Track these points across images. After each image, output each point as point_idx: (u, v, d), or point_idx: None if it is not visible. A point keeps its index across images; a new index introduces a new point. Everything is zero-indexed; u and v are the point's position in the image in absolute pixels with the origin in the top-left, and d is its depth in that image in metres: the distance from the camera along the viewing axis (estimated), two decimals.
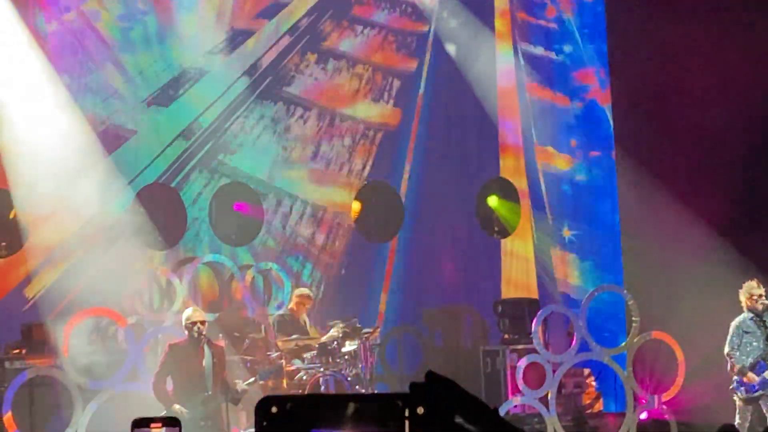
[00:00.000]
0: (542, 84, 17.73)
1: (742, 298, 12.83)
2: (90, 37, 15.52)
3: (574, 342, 14.69)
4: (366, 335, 14.71)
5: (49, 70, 15.07)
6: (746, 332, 12.77)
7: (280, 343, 14.54)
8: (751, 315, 12.80)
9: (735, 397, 12.79)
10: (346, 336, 14.60)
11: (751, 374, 12.67)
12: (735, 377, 12.76)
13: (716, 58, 16.18)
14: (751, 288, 12.80)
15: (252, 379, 12.41)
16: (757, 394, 12.67)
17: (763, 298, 12.77)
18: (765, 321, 12.79)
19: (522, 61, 17.63)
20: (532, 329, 14.69)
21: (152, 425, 5.19)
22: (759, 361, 12.72)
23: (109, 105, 15.63)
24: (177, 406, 11.56)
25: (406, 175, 16.99)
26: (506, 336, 16.23)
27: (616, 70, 17.44)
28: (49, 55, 15.09)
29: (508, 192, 17.32)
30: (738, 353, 12.75)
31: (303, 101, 16.72)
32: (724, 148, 16.45)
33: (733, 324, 12.85)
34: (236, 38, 16.37)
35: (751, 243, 16.01)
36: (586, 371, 16.51)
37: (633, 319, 14.76)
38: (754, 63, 16.01)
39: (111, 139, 15.53)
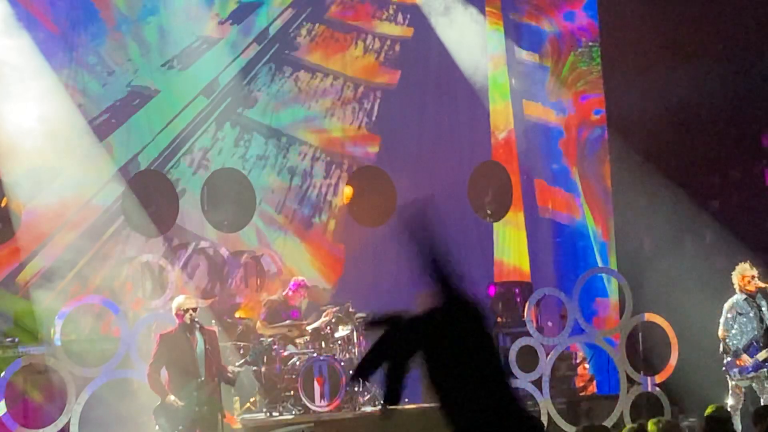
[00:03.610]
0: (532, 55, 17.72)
1: (735, 280, 12.85)
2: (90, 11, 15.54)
3: (566, 325, 14.72)
4: (359, 320, 14.71)
5: (38, 55, 15.02)
6: (739, 314, 12.79)
7: (272, 329, 14.54)
8: (744, 296, 12.82)
9: (728, 379, 12.81)
10: (339, 321, 14.61)
11: (744, 356, 12.68)
12: (728, 359, 12.78)
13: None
14: (744, 270, 12.82)
15: (243, 361, 12.40)
16: (749, 375, 12.68)
17: (756, 279, 12.79)
18: (758, 302, 12.81)
19: (513, 41, 17.60)
20: (525, 312, 14.71)
21: None
22: (752, 343, 12.73)
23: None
24: (172, 398, 11.56)
25: (398, 159, 16.96)
26: (499, 319, 16.24)
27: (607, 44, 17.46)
28: (39, 39, 15.04)
29: (499, 175, 17.30)
30: (731, 335, 12.77)
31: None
32: (716, 128, 16.48)
33: (726, 306, 12.87)
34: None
35: (743, 224, 16.06)
36: (579, 354, 16.54)
37: (626, 300, 14.80)
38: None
39: (111, 117, 15.51)
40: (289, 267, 16.18)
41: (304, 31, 16.83)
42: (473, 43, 17.26)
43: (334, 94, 16.89)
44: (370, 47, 17.17)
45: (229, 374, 11.80)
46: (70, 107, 15.17)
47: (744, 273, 12.81)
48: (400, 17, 17.35)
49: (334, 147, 16.86)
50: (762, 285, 12.80)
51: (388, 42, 17.25)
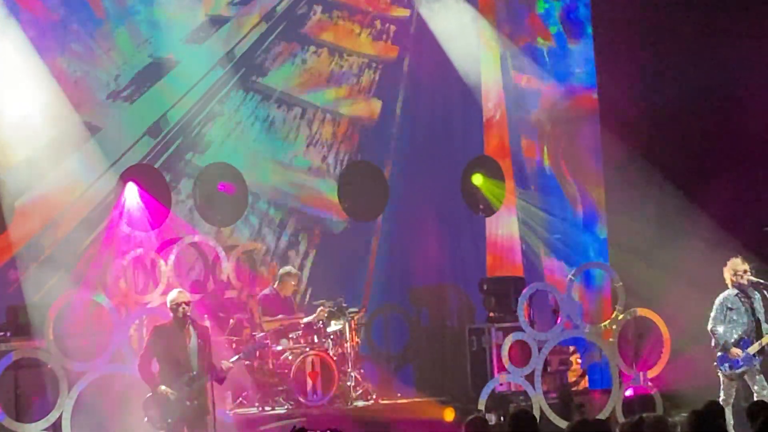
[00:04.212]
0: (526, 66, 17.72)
1: (727, 274, 12.86)
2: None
3: (559, 320, 14.73)
4: (352, 315, 14.72)
5: (30, 50, 14.99)
6: (730, 308, 12.80)
7: (265, 324, 14.54)
8: (735, 291, 12.83)
9: (719, 373, 12.82)
10: (332, 315, 14.61)
11: (735, 350, 12.69)
12: (719, 353, 12.79)
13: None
14: (735, 264, 12.83)
15: (236, 356, 12.41)
16: (740, 369, 12.70)
17: (748, 273, 12.80)
18: (750, 297, 12.82)
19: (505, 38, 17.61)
20: (518, 307, 14.71)
21: None
22: (743, 337, 12.75)
23: (99, 81, 15.59)
24: (163, 388, 11.54)
25: (390, 154, 16.95)
26: (492, 314, 16.24)
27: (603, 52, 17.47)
28: (29, 36, 15.01)
29: (492, 170, 17.30)
30: (722, 329, 12.78)
31: (281, 90, 16.67)
32: (705, 124, 16.50)
33: (718, 300, 12.88)
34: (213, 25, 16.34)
35: (735, 220, 16.07)
36: (572, 348, 16.54)
37: (618, 296, 14.80)
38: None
39: (105, 111, 15.51)
40: (281, 259, 16.18)
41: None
42: (465, 33, 17.23)
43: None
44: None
45: (220, 371, 11.78)
46: (62, 99, 15.13)
47: (736, 268, 12.81)
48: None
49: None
50: (754, 279, 12.81)
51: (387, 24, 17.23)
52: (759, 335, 12.73)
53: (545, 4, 17.85)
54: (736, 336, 12.75)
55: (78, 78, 15.45)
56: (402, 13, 17.36)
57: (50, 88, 15.05)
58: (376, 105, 17.15)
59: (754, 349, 12.68)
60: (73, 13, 15.49)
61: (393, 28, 17.33)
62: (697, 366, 13.61)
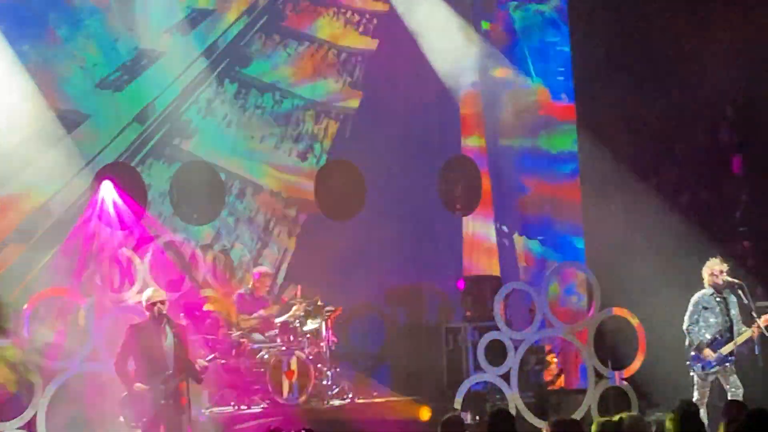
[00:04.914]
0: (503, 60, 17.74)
1: (705, 274, 12.89)
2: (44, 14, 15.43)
3: (535, 319, 14.74)
4: (328, 313, 14.72)
5: (4, 47, 14.93)
6: (705, 308, 12.83)
7: (241, 322, 14.53)
8: (711, 291, 12.86)
9: (692, 373, 12.86)
10: (308, 314, 14.61)
11: (707, 350, 12.73)
12: (692, 353, 12.83)
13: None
14: (714, 264, 12.86)
15: (212, 355, 12.38)
16: (713, 370, 12.73)
17: (724, 274, 12.83)
18: (725, 297, 12.86)
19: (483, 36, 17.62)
20: (494, 306, 14.72)
21: None
22: (716, 338, 12.79)
23: (61, 87, 15.53)
24: (139, 385, 11.52)
25: (367, 153, 16.94)
26: (468, 313, 16.27)
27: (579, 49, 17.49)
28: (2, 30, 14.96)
29: (469, 169, 17.32)
30: (696, 329, 12.82)
31: (262, 82, 16.66)
32: (684, 125, 16.56)
33: (693, 300, 12.91)
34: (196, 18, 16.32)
35: (712, 219, 16.14)
36: (548, 347, 16.58)
37: (594, 295, 14.83)
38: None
39: (79, 110, 15.44)
40: (256, 257, 16.16)
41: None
42: (442, 31, 17.24)
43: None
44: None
45: (197, 370, 11.76)
46: (37, 100, 15.08)
47: (713, 267, 12.85)
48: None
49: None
50: (729, 280, 12.85)
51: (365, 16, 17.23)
52: (732, 336, 12.77)
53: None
54: (709, 336, 12.79)
55: (60, 68, 15.41)
56: (381, 7, 17.36)
57: (24, 84, 15.00)
58: (356, 98, 17.16)
59: (727, 349, 12.72)
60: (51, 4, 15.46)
61: (375, 21, 17.35)
62: (672, 365, 13.64)
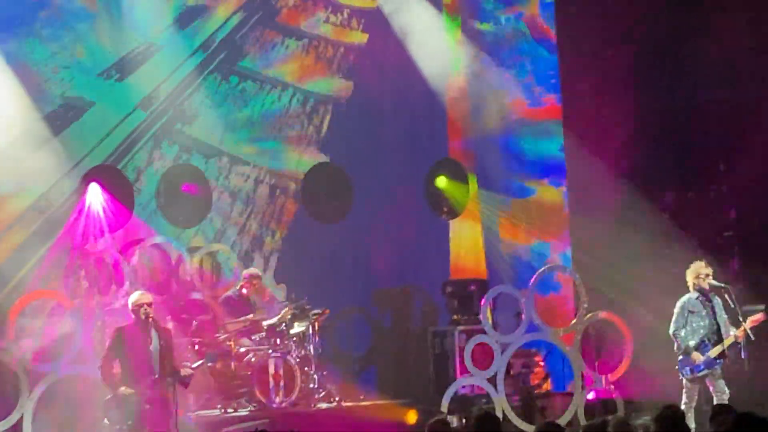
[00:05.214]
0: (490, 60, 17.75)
1: (689, 278, 12.90)
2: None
3: (522, 322, 14.74)
4: (315, 316, 14.71)
5: None
6: (691, 312, 12.84)
7: (229, 325, 14.51)
8: (696, 295, 12.87)
9: (681, 377, 12.87)
10: (295, 317, 14.59)
11: (695, 354, 12.74)
12: (680, 357, 12.84)
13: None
14: (698, 268, 12.87)
15: (199, 361, 12.36)
16: (702, 373, 12.75)
17: (710, 277, 12.85)
18: (711, 301, 12.87)
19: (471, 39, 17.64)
20: (481, 310, 14.72)
21: None
22: (704, 341, 12.80)
23: (64, 78, 15.49)
24: (124, 389, 11.50)
25: (355, 156, 16.94)
26: (455, 317, 16.27)
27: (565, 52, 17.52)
28: None
29: (456, 172, 17.33)
30: (683, 333, 12.83)
31: (258, 75, 16.67)
32: (670, 127, 16.59)
33: (679, 304, 12.92)
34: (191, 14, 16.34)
35: (697, 223, 16.17)
36: (534, 351, 16.59)
37: (581, 298, 14.84)
38: None
39: (68, 111, 15.40)
40: (244, 260, 16.13)
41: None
42: (429, 33, 17.25)
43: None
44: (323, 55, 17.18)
45: (183, 373, 11.74)
46: (24, 101, 15.05)
47: (698, 271, 12.86)
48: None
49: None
50: (715, 283, 12.86)
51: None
52: (720, 338, 12.78)
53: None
54: (697, 339, 12.80)
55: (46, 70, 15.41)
56: (368, 4, 17.37)
57: (12, 87, 14.98)
58: (344, 99, 17.16)
59: (714, 352, 12.73)
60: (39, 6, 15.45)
61: (363, 21, 17.37)
62: (659, 369, 13.66)
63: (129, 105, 15.85)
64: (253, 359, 14.14)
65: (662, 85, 16.49)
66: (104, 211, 15.13)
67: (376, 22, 17.25)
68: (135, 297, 11.87)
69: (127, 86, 15.81)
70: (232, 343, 14.26)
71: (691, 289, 12.90)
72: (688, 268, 12.94)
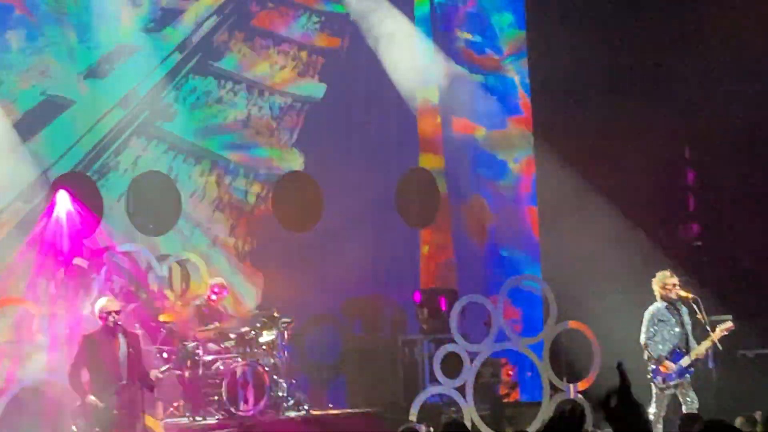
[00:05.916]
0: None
1: (656, 287, 12.93)
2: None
3: (491, 332, 14.76)
4: (285, 325, 14.68)
5: None
6: (660, 321, 12.87)
7: (198, 333, 14.47)
8: (665, 304, 12.91)
9: (652, 386, 12.89)
10: (264, 326, 14.56)
11: (667, 363, 12.77)
12: (652, 366, 12.87)
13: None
14: (664, 277, 12.91)
15: (166, 366, 12.32)
16: (674, 382, 12.78)
17: (677, 288, 12.89)
18: (679, 309, 12.91)
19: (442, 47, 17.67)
20: (450, 319, 14.73)
21: None
22: (674, 350, 12.84)
23: (44, 77, 15.44)
24: (92, 398, 11.45)
25: (325, 164, 16.93)
26: (424, 326, 16.28)
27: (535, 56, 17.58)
28: None
29: (427, 182, 17.35)
30: (653, 342, 12.86)
31: (231, 78, 16.66)
32: (639, 137, 16.66)
33: (647, 313, 12.94)
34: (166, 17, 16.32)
35: (663, 233, 16.24)
36: (503, 360, 16.60)
37: (550, 308, 14.87)
38: None
39: (47, 110, 15.35)
40: (214, 268, 16.09)
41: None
42: (400, 45, 17.26)
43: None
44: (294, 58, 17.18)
45: (151, 379, 11.70)
46: None
47: (665, 281, 12.89)
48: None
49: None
50: (683, 294, 12.90)
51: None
52: (690, 347, 12.83)
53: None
54: (667, 349, 12.83)
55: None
56: (342, 9, 17.38)
57: None
58: (317, 101, 17.16)
59: (686, 361, 12.76)
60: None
61: (336, 25, 17.39)
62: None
63: (100, 110, 15.79)
64: (221, 367, 14.11)
65: (637, 96, 16.56)
66: (72, 218, 15.07)
67: (350, 27, 17.26)
68: (102, 303, 11.83)
69: (100, 89, 15.77)
70: (200, 350, 14.22)
71: (658, 298, 12.94)
72: (653, 277, 12.99)
